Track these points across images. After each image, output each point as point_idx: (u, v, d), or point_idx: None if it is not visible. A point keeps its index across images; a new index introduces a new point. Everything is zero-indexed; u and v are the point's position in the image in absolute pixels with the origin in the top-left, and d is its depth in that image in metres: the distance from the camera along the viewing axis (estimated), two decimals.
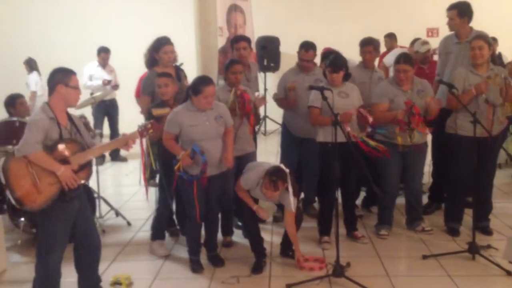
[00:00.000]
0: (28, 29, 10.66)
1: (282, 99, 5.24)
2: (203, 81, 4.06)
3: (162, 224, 4.65)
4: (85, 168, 3.40)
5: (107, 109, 8.39)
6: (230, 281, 3.97)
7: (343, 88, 4.58)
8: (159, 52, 4.70)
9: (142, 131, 3.63)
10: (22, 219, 4.63)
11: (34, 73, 8.60)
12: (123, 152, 8.37)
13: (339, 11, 10.60)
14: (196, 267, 4.22)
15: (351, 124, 4.42)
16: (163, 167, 4.46)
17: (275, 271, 4.18)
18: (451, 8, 5.07)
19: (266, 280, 4.03)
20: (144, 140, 3.96)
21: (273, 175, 4.03)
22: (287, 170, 4.08)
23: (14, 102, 5.15)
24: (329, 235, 4.64)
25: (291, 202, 4.10)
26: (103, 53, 8.47)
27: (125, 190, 6.87)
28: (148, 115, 4.31)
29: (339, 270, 3.86)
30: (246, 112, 4.58)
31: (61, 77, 3.35)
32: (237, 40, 5.11)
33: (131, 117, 9.22)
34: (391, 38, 8.88)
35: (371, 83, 5.12)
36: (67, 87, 3.34)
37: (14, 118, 4.85)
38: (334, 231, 4.14)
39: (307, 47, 5.09)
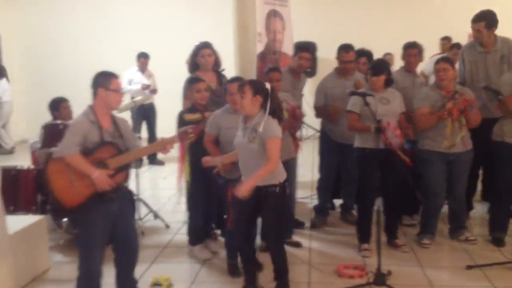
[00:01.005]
0: (71, 36, 11.00)
1: (322, 108, 5.19)
2: (228, 80, 4.24)
3: (196, 230, 4.63)
4: (123, 171, 3.43)
5: (145, 113, 8.52)
6: (269, 286, 3.95)
7: (385, 94, 4.51)
8: (198, 55, 4.76)
9: (182, 136, 3.64)
10: (65, 219, 4.71)
11: (3, 80, 9.07)
12: (160, 156, 8.45)
13: (377, 16, 10.49)
14: (234, 271, 4.20)
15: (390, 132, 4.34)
16: (193, 174, 4.43)
17: (314, 277, 4.14)
18: (478, 20, 4.86)
19: (305, 286, 3.99)
20: (184, 145, 3.98)
21: (237, 79, 4.07)
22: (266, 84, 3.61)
23: (58, 105, 5.25)
24: (369, 243, 4.57)
25: (268, 128, 3.46)
26: (143, 58, 8.64)
27: (162, 193, 6.93)
28: (180, 120, 4.32)
29: (380, 278, 3.79)
30: (294, 126, 4.59)
31: (102, 81, 3.40)
32: (303, 49, 5.16)
33: (168, 121, 9.40)
34: (449, 41, 8.56)
35: (413, 88, 5.02)
36: (107, 90, 3.38)
37: (58, 121, 4.94)
38: (374, 239, 4.07)
39: (346, 48, 5.05)
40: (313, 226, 5.21)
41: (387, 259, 4.28)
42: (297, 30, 7.36)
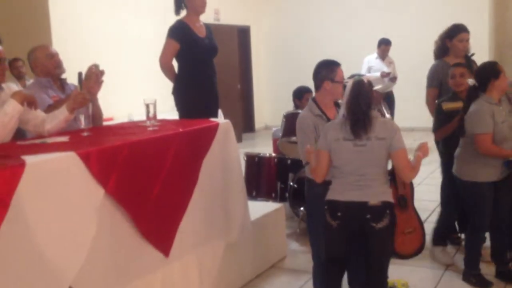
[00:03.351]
0: (318, 27, 11.32)
1: None
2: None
3: (445, 229, 4.25)
4: None
5: (384, 101, 8.25)
6: None
7: None
8: (453, 39, 4.27)
9: None
10: (302, 208, 4.77)
11: None
12: None
13: None
14: (481, 282, 3.72)
15: None
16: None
17: None
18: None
19: None
20: None
21: None
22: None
23: (302, 95, 5.33)
24: None
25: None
26: (384, 45, 8.36)
27: None
28: (438, 110, 3.96)
29: None
30: None
31: (327, 73, 3.22)
32: None
33: (408, 110, 9.04)
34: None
35: None
36: (333, 83, 3.20)
37: (300, 111, 4.98)
38: None
39: None
40: None
41: None
42: None
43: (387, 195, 2.82)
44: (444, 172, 4.29)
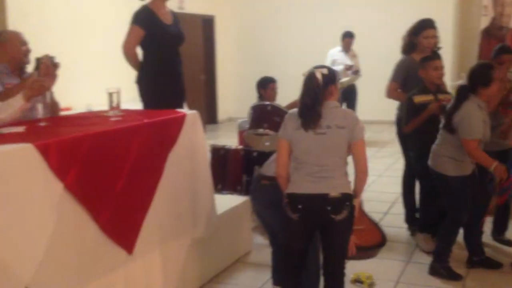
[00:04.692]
0: (283, 19, 11.24)
1: None
2: None
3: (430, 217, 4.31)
4: None
5: (346, 94, 8.27)
6: None
7: None
8: (419, 36, 4.28)
9: None
10: None
11: None
12: None
13: None
14: (451, 274, 3.77)
15: None
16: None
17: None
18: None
19: None
20: None
21: None
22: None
23: (267, 85, 5.24)
24: None
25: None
26: (347, 38, 8.39)
27: None
28: (409, 104, 3.99)
29: None
30: None
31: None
32: None
33: (370, 103, 9.10)
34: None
35: None
36: None
37: (267, 102, 4.91)
38: None
39: None
40: None
41: None
42: None
43: (347, 187, 2.81)
44: (408, 164, 4.37)
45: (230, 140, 6.87)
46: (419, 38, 4.31)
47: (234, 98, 11.60)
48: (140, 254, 3.03)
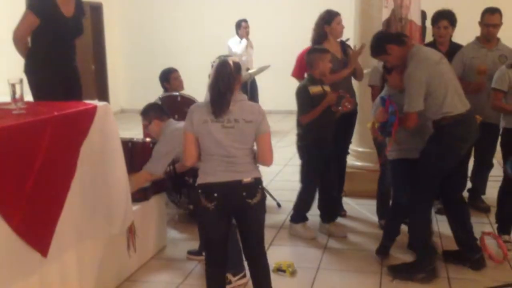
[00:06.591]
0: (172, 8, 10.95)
1: (465, 83, 4.66)
2: None
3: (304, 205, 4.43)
4: None
5: (246, 87, 8.31)
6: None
7: None
8: (332, 23, 4.39)
9: None
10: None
11: None
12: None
13: None
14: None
15: None
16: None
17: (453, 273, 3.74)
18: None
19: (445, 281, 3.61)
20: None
21: None
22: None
23: (168, 76, 5.11)
24: (510, 234, 4.09)
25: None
26: (244, 23, 8.45)
27: (267, 169, 6.68)
28: (305, 95, 4.08)
29: None
30: None
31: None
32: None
33: (269, 93, 9.21)
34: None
35: None
36: None
37: (176, 93, 4.77)
38: None
39: (492, 10, 4.51)
40: (439, 212, 4.75)
41: None
42: None
43: (257, 172, 2.90)
44: (306, 153, 4.39)
45: (129, 133, 6.58)
46: (333, 25, 4.42)
47: (126, 90, 11.18)
48: (55, 256, 2.81)
